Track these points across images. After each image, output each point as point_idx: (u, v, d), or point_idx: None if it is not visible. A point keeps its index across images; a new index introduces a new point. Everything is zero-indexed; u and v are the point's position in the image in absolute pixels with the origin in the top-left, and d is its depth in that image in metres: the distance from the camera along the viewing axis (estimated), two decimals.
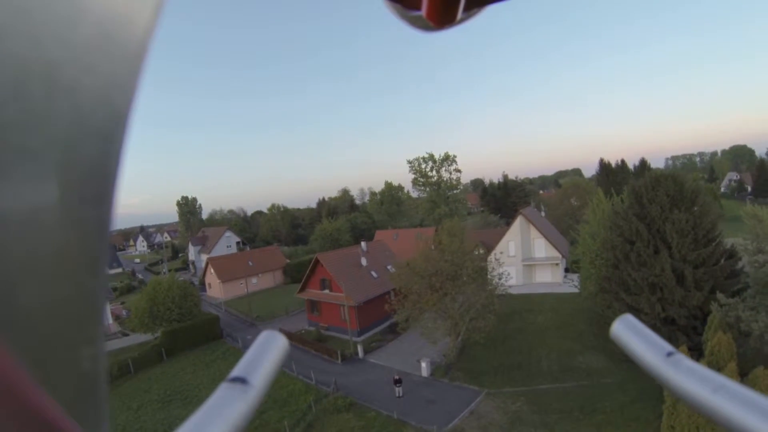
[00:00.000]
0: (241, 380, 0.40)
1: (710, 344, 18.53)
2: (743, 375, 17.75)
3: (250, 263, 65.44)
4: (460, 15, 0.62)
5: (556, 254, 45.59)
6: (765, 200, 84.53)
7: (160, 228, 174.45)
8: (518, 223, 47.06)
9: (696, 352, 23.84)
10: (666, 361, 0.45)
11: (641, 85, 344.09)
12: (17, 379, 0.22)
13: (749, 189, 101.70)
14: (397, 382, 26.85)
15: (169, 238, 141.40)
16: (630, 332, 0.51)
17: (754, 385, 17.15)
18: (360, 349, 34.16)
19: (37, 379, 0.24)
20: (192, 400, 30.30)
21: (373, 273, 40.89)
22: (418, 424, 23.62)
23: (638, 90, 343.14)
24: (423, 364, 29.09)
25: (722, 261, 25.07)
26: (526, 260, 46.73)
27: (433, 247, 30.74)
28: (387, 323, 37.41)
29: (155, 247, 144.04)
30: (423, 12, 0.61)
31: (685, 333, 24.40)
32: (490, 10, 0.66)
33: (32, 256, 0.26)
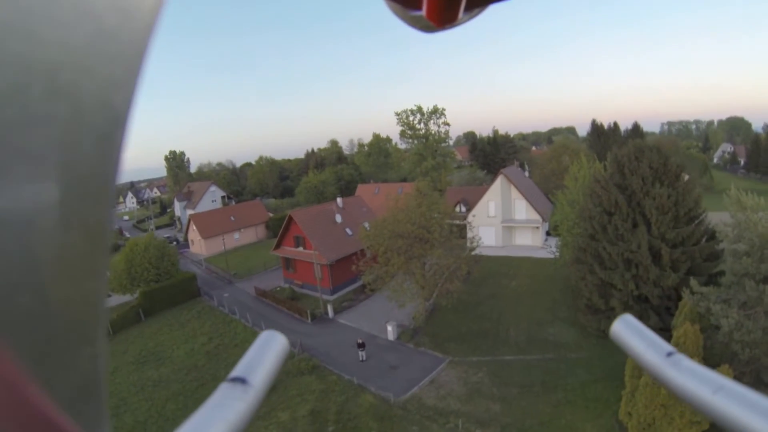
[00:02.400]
0: (241, 380, 0.39)
1: (676, 334, 17.74)
2: None
3: (232, 218, 64.12)
4: (461, 15, 0.61)
5: (537, 217, 44.50)
6: (756, 175, 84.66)
7: (150, 183, 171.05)
8: (499, 183, 45.60)
9: (667, 333, 23.27)
10: (666, 361, 0.44)
11: (643, 47, 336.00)
12: (17, 379, 0.22)
13: (742, 162, 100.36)
14: (361, 346, 26.27)
15: (159, 194, 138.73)
16: (630, 332, 0.51)
17: None
18: (330, 309, 33.49)
19: (37, 379, 0.25)
20: (165, 362, 30.08)
21: (348, 230, 39.79)
22: (376, 391, 23.14)
23: (639, 51, 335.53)
24: (389, 328, 28.50)
25: (702, 241, 24.14)
26: (506, 222, 45.69)
27: (400, 207, 29.44)
28: (360, 282, 36.67)
29: (144, 203, 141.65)
30: (423, 12, 0.61)
31: (657, 313, 23.72)
32: (491, 9, 0.66)
33: (32, 256, 0.26)
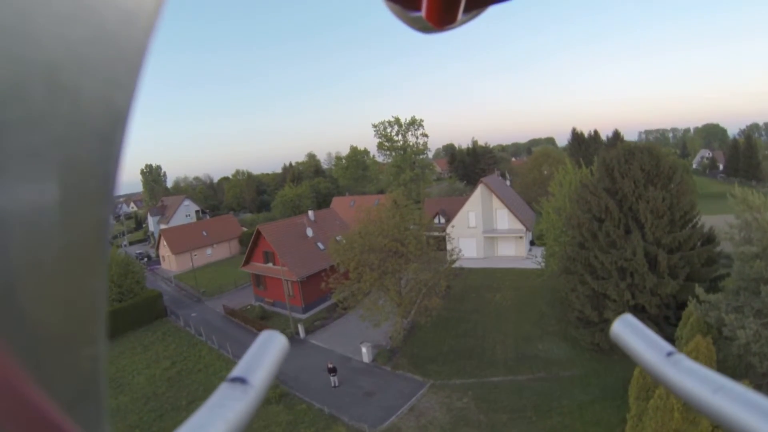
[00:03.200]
0: (241, 380, 0.39)
1: (686, 349, 15.65)
2: None
3: (205, 233, 61.31)
4: (460, 16, 0.61)
5: (520, 226, 42.54)
6: (736, 179, 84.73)
7: (128, 198, 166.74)
8: (479, 192, 43.52)
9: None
10: (666, 361, 0.45)
11: (620, 59, 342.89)
12: (17, 379, 0.22)
13: (721, 167, 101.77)
14: (332, 371, 23.63)
15: (135, 208, 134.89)
16: (630, 332, 0.51)
17: None
18: (301, 328, 30.75)
19: (37, 379, 0.25)
20: (124, 389, 27.28)
21: (320, 245, 37.25)
22: (350, 422, 20.55)
23: (616, 63, 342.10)
24: (364, 349, 25.95)
25: (698, 245, 22.32)
26: (487, 232, 43.59)
27: (372, 219, 27.06)
28: (334, 300, 34.24)
29: (120, 218, 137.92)
30: (423, 13, 0.61)
31: (656, 323, 21.69)
32: (490, 11, 0.67)
33: (32, 256, 0.26)
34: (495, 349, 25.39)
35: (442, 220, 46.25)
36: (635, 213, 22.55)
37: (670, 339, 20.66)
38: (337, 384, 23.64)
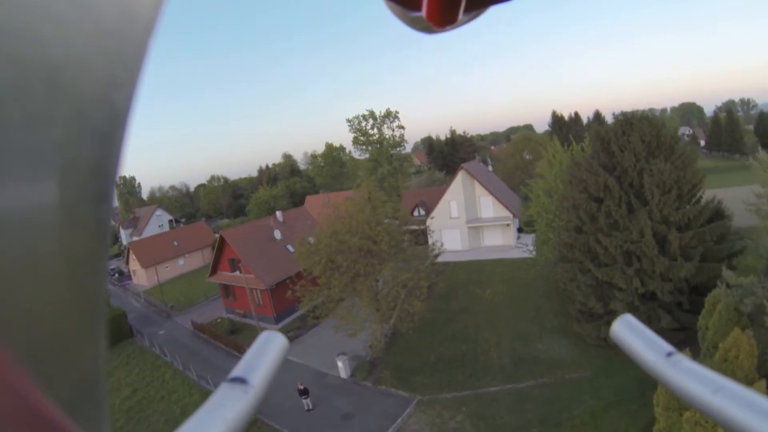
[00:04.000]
0: (241, 380, 0.40)
1: (724, 345, 12.89)
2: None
3: (176, 243, 57.62)
4: (461, 16, 0.61)
5: (506, 213, 39.69)
6: (719, 153, 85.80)
7: None
8: (460, 179, 40.48)
9: (682, 333, 18.61)
10: (666, 362, 0.44)
11: (592, 43, 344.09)
12: (17, 379, 0.22)
13: (702, 143, 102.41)
14: (303, 393, 20.41)
15: (112, 222, 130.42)
16: (630, 332, 0.50)
17: None
18: None
19: (38, 379, 0.25)
20: None
21: (290, 248, 33.90)
22: None
23: (589, 47, 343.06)
24: (340, 364, 22.77)
25: (706, 222, 19.65)
26: (471, 222, 40.65)
27: (341, 215, 23.79)
28: (301, 310, 31.04)
29: None
30: (423, 13, 0.61)
31: (668, 310, 18.96)
32: (491, 11, 0.66)
33: (32, 256, 0.26)
34: (489, 353, 22.42)
35: (422, 213, 43.20)
36: (638, 189, 19.81)
37: (687, 328, 18.11)
38: (310, 407, 20.48)
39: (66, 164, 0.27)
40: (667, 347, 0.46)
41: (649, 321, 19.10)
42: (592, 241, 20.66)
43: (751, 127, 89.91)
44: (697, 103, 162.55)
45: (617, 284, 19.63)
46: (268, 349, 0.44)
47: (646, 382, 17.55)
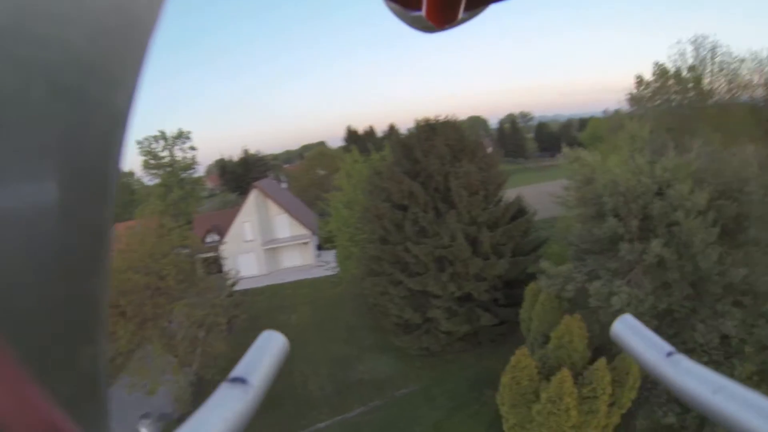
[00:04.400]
0: (241, 380, 0.40)
1: (555, 334, 13.33)
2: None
3: None
4: (461, 15, 0.60)
5: (304, 231, 38.03)
6: (504, 159, 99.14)
7: None
8: (253, 198, 37.68)
9: (502, 327, 19.21)
10: (666, 361, 0.44)
11: (384, 58, 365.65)
12: (18, 378, 0.22)
13: (489, 150, 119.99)
14: None
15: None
16: (630, 332, 0.51)
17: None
18: None
19: (38, 378, 0.24)
20: None
21: None
22: None
23: (381, 63, 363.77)
24: (144, 430, 17.92)
25: (509, 219, 21.10)
26: (267, 243, 37.91)
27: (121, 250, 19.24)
28: None
29: None
30: (423, 12, 0.60)
31: (486, 308, 19.49)
32: (491, 9, 0.65)
33: (33, 255, 0.26)
34: (308, 385, 20.06)
35: (217, 238, 38.98)
36: (444, 193, 20.11)
37: (506, 321, 18.87)
38: None
39: (66, 164, 0.27)
40: (667, 347, 0.45)
41: (469, 321, 19.40)
42: (401, 251, 20.23)
43: (531, 135, 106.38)
44: (482, 116, 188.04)
45: (432, 291, 19.48)
46: (268, 350, 0.44)
47: (477, 383, 17.60)
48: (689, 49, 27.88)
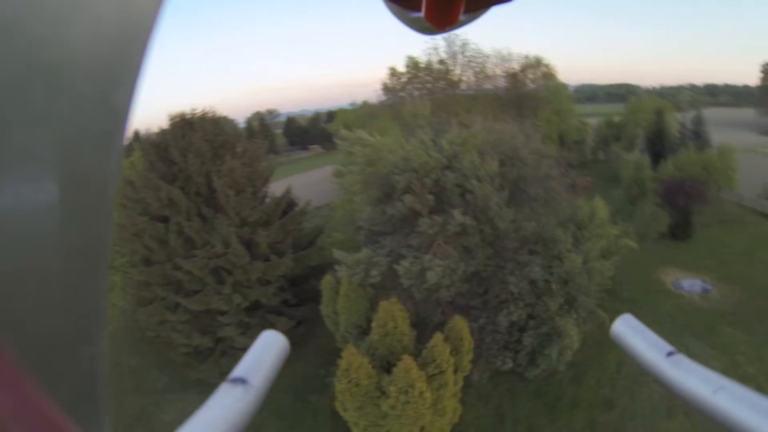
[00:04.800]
0: (242, 380, 0.40)
1: (377, 322, 13.00)
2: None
3: None
4: (461, 17, 0.60)
5: None
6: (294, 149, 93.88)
7: None
8: None
9: (302, 327, 18.25)
10: (666, 361, 0.44)
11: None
12: (18, 378, 0.22)
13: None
14: None
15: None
16: (630, 332, 0.50)
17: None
18: None
19: (38, 378, 0.24)
20: None
21: None
22: None
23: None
24: None
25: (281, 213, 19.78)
26: None
27: None
28: None
29: None
30: (423, 14, 0.60)
31: (279, 312, 18.18)
32: (492, 11, 0.65)
33: (32, 256, 0.26)
34: None
35: None
36: (208, 196, 17.81)
37: (302, 321, 17.82)
38: None
39: (66, 164, 0.27)
40: (668, 347, 0.45)
41: (264, 329, 17.78)
42: (170, 269, 17.59)
43: (279, 131, 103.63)
44: (228, 116, 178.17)
45: (217, 308, 17.42)
46: (268, 350, 0.44)
47: (303, 391, 16.37)
48: (442, 44, 32.36)
